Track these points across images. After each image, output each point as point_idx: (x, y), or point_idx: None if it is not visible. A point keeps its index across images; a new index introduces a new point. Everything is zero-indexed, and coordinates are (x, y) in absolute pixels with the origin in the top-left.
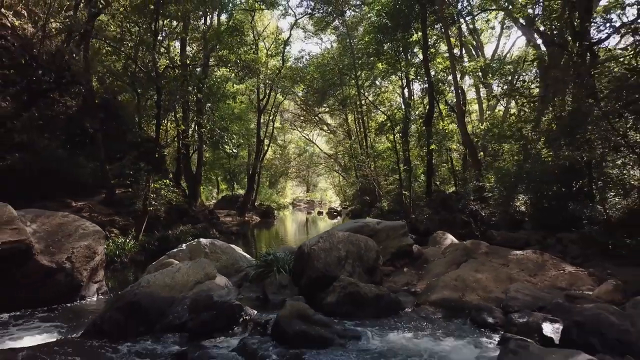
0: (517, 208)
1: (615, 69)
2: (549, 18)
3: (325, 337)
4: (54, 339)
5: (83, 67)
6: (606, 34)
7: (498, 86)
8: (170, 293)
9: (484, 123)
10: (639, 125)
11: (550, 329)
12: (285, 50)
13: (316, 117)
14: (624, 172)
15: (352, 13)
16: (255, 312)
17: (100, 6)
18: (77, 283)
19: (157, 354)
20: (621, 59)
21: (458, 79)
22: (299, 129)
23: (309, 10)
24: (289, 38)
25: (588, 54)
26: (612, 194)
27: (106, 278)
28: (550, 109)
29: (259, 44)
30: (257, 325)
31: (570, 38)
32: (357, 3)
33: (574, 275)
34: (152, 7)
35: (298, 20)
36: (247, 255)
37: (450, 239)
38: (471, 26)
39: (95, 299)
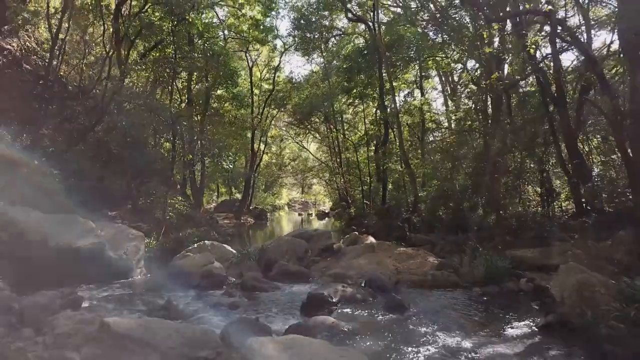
0: (439, 217)
1: None
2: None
3: (264, 287)
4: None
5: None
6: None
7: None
8: (190, 269)
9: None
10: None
11: (364, 283)
12: (276, 75)
13: (308, 126)
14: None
15: (334, 41)
16: (234, 279)
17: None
18: (130, 268)
19: (184, 295)
20: None
21: (400, 113)
22: (292, 136)
23: (297, 40)
24: (278, 65)
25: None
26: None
27: None
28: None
29: (253, 68)
30: (235, 285)
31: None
32: (339, 33)
33: (426, 262)
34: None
35: (287, 49)
36: (234, 251)
37: (370, 240)
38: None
39: (139, 278)
